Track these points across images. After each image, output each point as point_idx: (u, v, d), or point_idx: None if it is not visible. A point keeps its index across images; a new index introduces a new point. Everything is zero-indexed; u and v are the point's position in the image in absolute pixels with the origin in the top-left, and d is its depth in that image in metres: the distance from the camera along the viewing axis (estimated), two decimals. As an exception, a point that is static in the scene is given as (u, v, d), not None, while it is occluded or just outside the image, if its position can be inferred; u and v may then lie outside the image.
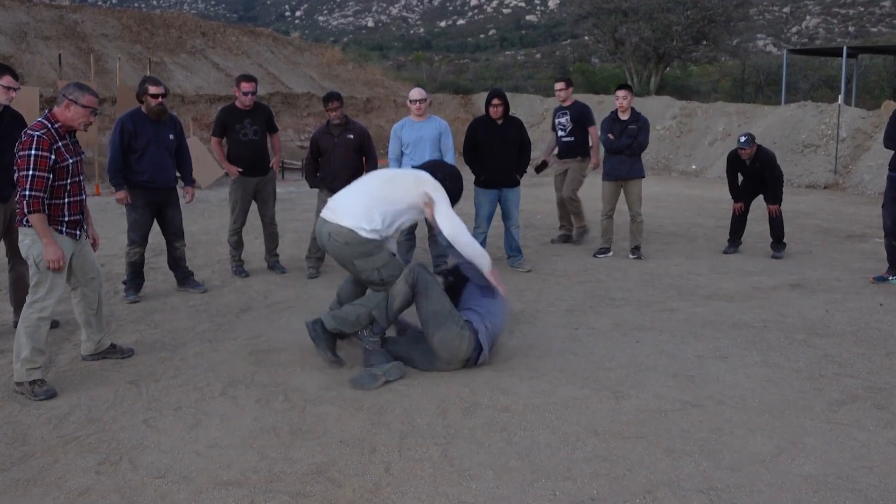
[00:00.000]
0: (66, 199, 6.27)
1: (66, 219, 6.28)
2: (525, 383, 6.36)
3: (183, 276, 9.57)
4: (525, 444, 5.23)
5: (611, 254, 11.63)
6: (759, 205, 12.12)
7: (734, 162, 11.71)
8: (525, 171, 10.59)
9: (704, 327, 7.97)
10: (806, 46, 35.11)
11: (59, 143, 6.15)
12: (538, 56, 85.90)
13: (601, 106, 30.06)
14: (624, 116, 11.27)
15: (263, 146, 10.24)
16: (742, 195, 11.88)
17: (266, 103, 11.21)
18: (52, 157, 6.06)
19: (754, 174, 11.58)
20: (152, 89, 8.74)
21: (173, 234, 9.30)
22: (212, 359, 7.02)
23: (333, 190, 10.19)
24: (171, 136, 9.10)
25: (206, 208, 16.78)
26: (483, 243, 10.52)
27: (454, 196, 7.03)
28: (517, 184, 10.52)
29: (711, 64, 52.25)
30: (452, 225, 6.73)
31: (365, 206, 6.75)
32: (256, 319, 8.37)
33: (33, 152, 5.97)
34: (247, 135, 10.04)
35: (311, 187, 10.47)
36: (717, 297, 9.26)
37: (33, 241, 6.12)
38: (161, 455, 5.10)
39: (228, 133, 10.08)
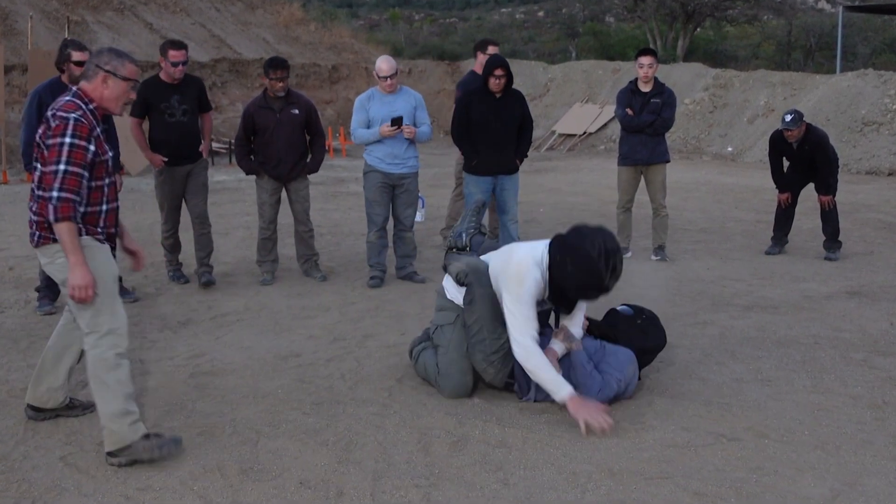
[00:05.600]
0: (104, 206, 5.76)
1: (100, 231, 5.73)
2: (524, 413, 6.37)
3: (109, 282, 9.55)
4: (525, 487, 5.24)
5: (629, 254, 11.63)
6: (809, 195, 12.15)
7: (778, 144, 11.72)
8: (526, 156, 10.58)
9: (743, 345, 8.00)
10: (866, 2, 35.19)
11: (98, 131, 5.65)
12: (541, 14, 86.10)
13: (617, 75, 30.16)
14: (646, 88, 11.27)
15: (194, 129, 10.01)
16: (789, 184, 11.90)
17: (198, 76, 10.87)
18: (93, 147, 5.56)
19: (803, 159, 11.59)
20: (76, 55, 8.65)
21: (98, 232, 9.27)
22: (144, 383, 7.01)
23: (277, 176, 10.15)
24: (98, 114, 9.08)
25: (137, 199, 16.74)
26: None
27: (569, 291, 6.29)
28: (516, 170, 10.55)
29: (751, 24, 52.50)
30: (522, 349, 6.29)
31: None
32: (198, 335, 8.37)
33: (68, 140, 5.44)
34: (174, 115, 9.77)
35: (248, 173, 10.41)
36: (758, 307, 9.29)
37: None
38: (82, 499, 5.09)
39: (151, 113, 9.79)
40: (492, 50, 11.49)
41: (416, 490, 5.18)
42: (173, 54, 9.60)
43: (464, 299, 6.67)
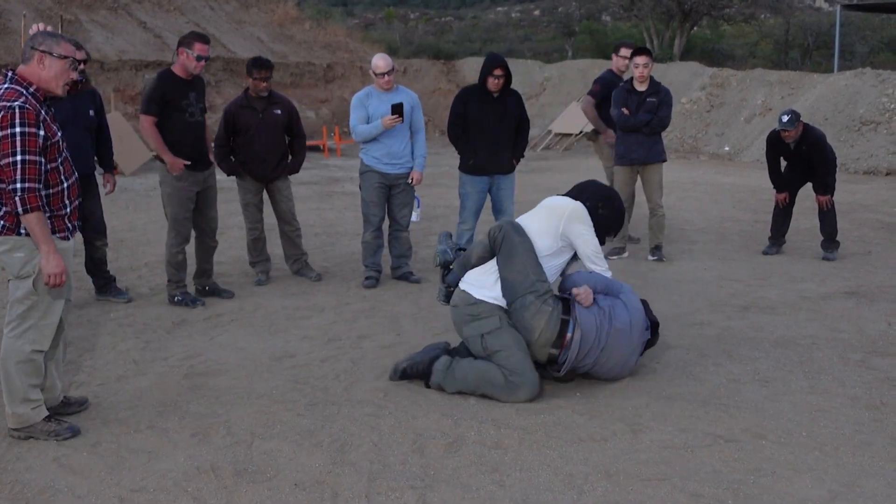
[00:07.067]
0: (65, 184, 5.91)
1: (68, 210, 5.93)
2: (520, 414, 6.37)
3: (103, 281, 9.53)
4: (521, 488, 5.24)
5: (626, 255, 11.64)
6: (806, 195, 12.15)
7: (775, 144, 11.72)
8: (522, 156, 10.57)
9: (741, 345, 8.00)
10: (864, 1, 35.21)
11: (44, 113, 5.72)
12: (537, 13, 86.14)
13: (614, 74, 30.08)
14: (641, 87, 11.26)
15: (206, 130, 9.52)
16: (786, 184, 11.90)
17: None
18: (42, 132, 5.65)
19: (800, 158, 11.59)
20: None
21: (92, 231, 9.23)
22: (138, 384, 7.01)
23: (259, 177, 10.11)
24: (91, 113, 9.03)
25: (131, 199, 16.73)
26: (468, 242, 10.53)
27: (610, 228, 7.31)
28: (512, 170, 10.54)
29: (748, 23, 52.49)
30: (603, 270, 7.14)
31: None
32: (192, 335, 8.37)
33: (18, 129, 5.53)
34: (193, 115, 9.18)
35: (229, 174, 10.27)
36: (756, 307, 9.29)
37: (30, 251, 5.72)
38: (76, 501, 5.09)
39: (169, 112, 9.06)
40: (624, 52, 12.06)
41: (411, 491, 5.18)
42: (200, 48, 8.94)
43: (500, 255, 6.80)
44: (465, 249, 7.57)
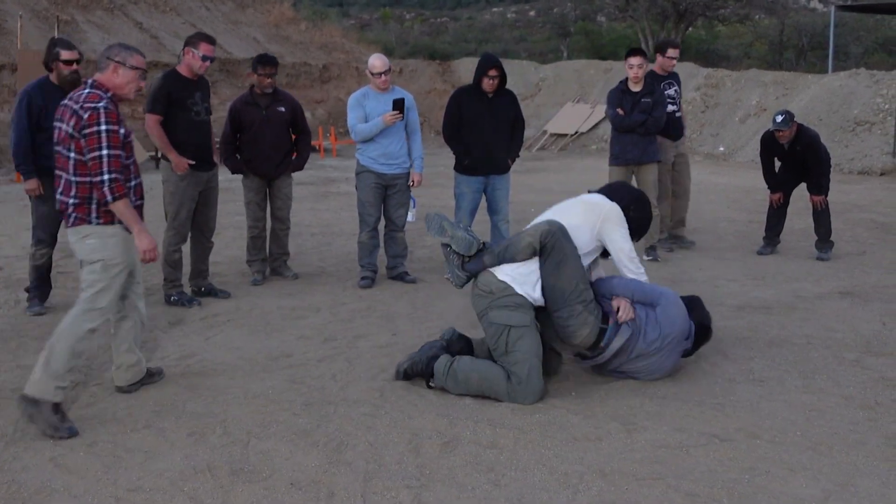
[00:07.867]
0: (133, 182, 6.47)
1: (133, 205, 6.40)
2: (516, 413, 6.36)
3: (98, 282, 9.51)
4: (516, 487, 5.23)
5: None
6: (801, 195, 12.15)
7: (770, 144, 11.72)
8: (518, 156, 10.57)
9: (735, 345, 8.00)
10: (858, 2, 35.25)
11: (119, 115, 6.32)
12: (532, 14, 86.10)
13: (609, 74, 30.17)
14: (636, 88, 11.27)
15: (211, 130, 9.55)
16: (780, 184, 11.91)
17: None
18: (122, 130, 6.25)
19: (795, 159, 11.60)
20: (64, 54, 8.66)
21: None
22: (134, 384, 6.99)
23: (263, 174, 10.12)
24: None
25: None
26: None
27: (638, 231, 7.32)
28: (507, 170, 10.54)
29: (743, 23, 52.49)
30: (637, 273, 7.21)
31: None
32: (189, 335, 8.36)
33: (104, 127, 6.11)
34: (199, 114, 9.24)
35: (234, 172, 10.32)
36: (750, 307, 9.29)
37: (101, 239, 6.28)
38: (72, 501, 5.07)
39: (175, 111, 9.10)
40: (671, 52, 12.09)
41: (407, 491, 5.17)
42: (206, 48, 9.07)
43: (549, 261, 6.66)
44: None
